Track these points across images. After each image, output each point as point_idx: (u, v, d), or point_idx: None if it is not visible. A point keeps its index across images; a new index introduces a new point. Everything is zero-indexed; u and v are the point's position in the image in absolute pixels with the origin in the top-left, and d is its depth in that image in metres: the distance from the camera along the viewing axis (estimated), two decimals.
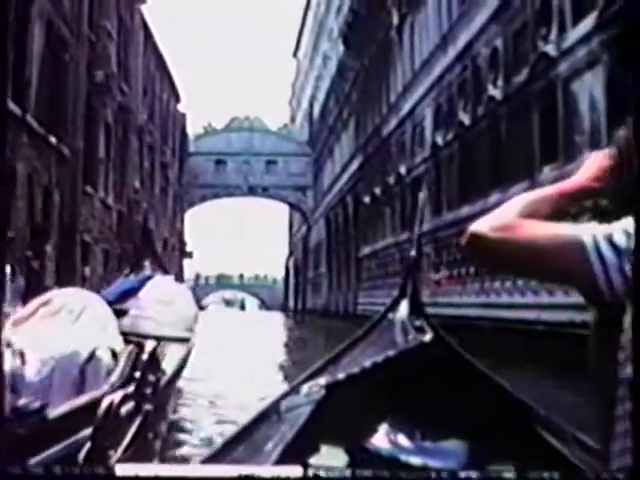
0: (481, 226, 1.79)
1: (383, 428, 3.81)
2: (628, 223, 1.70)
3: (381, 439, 3.75)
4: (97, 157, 34.30)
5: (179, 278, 71.08)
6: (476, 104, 27.12)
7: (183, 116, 72.88)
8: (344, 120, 61.21)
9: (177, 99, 68.71)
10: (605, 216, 1.82)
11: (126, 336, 6.02)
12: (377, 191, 44.08)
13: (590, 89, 18.33)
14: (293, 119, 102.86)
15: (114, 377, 4.47)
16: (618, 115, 16.70)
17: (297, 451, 3.37)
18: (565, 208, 1.94)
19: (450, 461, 3.55)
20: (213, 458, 3.44)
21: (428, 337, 4.20)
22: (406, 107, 38.37)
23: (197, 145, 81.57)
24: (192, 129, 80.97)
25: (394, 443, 3.73)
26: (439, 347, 4.16)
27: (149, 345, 4.98)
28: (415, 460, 3.58)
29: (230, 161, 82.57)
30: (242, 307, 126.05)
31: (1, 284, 1.70)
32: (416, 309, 4.62)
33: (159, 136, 57.13)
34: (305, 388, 4.09)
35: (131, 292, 7.94)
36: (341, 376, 4.00)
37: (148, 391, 4.68)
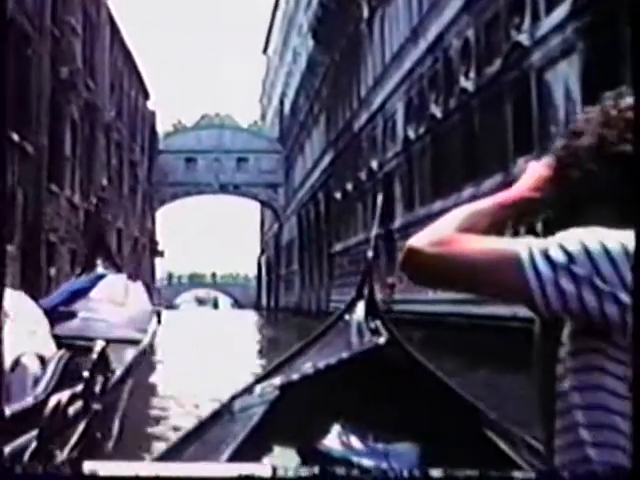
0: (418, 241, 1.75)
1: (336, 429, 3.83)
2: (564, 237, 1.69)
3: (333, 440, 3.78)
4: (63, 155, 33.59)
5: (151, 277, 70.54)
6: (448, 97, 26.71)
7: (152, 113, 72.02)
8: (315, 116, 60.86)
9: (146, 96, 67.89)
10: (548, 227, 1.85)
11: (74, 340, 5.58)
12: (349, 187, 43.65)
13: (565, 78, 17.90)
14: (264, 116, 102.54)
15: (40, 387, 4.00)
16: (594, 104, 16.22)
17: (249, 451, 3.42)
18: (505, 220, 1.94)
19: (401, 464, 3.57)
20: (162, 459, 3.46)
21: (382, 339, 4.25)
22: (377, 101, 37.95)
23: (167, 143, 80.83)
24: (162, 127, 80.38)
25: (346, 444, 3.76)
26: (393, 349, 4.22)
27: (99, 344, 4.72)
28: (367, 462, 3.60)
29: (200, 159, 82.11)
30: (215, 306, 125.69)
31: (1, 283, 1.64)
32: (372, 310, 4.64)
33: (127, 133, 56.35)
34: (259, 388, 4.17)
35: (81, 293, 7.53)
36: (295, 377, 4.07)
37: (96, 390, 4.52)
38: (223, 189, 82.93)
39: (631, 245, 1.63)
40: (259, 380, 4.38)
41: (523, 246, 1.69)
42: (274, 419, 3.82)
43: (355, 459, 3.63)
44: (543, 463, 2.21)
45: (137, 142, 61.70)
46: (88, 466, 1.41)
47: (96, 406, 4.30)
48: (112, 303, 7.62)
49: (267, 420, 3.80)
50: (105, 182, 44.55)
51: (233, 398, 4.26)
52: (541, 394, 1.93)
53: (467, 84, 24.50)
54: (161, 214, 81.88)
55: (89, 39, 40.39)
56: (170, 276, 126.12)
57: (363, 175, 40.05)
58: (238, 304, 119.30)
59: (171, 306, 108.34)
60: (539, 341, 1.96)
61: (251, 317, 68.12)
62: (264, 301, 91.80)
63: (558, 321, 1.80)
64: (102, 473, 1.37)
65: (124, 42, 54.51)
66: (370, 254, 5.06)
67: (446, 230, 1.78)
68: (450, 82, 26.42)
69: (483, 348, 17.65)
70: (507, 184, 1.95)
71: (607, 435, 1.67)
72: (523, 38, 20.12)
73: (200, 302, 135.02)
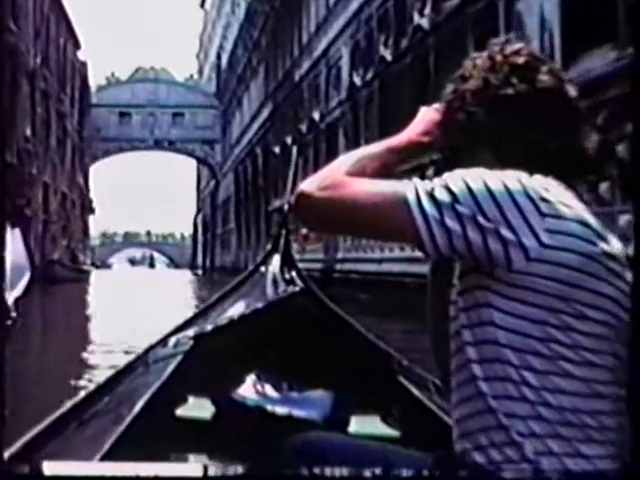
0: (308, 186, 1.81)
1: (251, 378, 3.85)
2: (448, 177, 1.74)
3: (248, 389, 3.80)
4: None
5: (82, 235, 68.42)
6: (399, 37, 24.72)
7: (83, 64, 69.99)
8: (253, 68, 59.35)
9: (76, 45, 65.56)
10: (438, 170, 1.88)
11: None
12: (288, 140, 41.76)
13: (540, 7, 15.74)
14: (201, 73, 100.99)
15: None
16: (576, 35, 14.35)
17: (164, 401, 3.45)
18: (394, 163, 2.02)
19: (314, 411, 3.63)
20: (75, 408, 3.40)
21: (297, 289, 4.21)
22: (320, 47, 36.16)
23: (100, 96, 79.92)
24: (94, 80, 79.81)
25: (260, 393, 3.79)
26: (307, 299, 4.19)
27: None
28: (280, 410, 3.66)
29: (135, 113, 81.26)
30: (151, 265, 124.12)
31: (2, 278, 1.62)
32: (287, 262, 4.58)
33: (55, 83, 53.97)
34: (173, 340, 4.18)
35: None
36: (209, 327, 4.07)
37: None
38: (158, 145, 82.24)
39: (512, 184, 1.71)
40: (173, 332, 4.34)
41: (410, 187, 1.74)
42: (188, 370, 3.78)
43: (269, 407, 3.67)
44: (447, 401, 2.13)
45: (66, 93, 59.45)
46: (88, 466, 1.52)
47: None
48: None
49: (181, 371, 3.74)
50: (29, 132, 42.01)
51: (147, 350, 4.25)
52: (435, 336, 2.03)
53: (422, 21, 22.40)
54: (94, 170, 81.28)
55: None
56: (104, 235, 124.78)
57: (304, 127, 38.47)
58: (174, 264, 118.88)
59: (105, 265, 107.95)
60: (431, 284, 2.06)
61: (186, 277, 66.77)
62: (200, 261, 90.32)
63: (449, 263, 1.86)
64: (102, 473, 1.41)
65: None
66: (286, 207, 4.83)
67: (335, 174, 1.83)
68: (402, 21, 24.45)
69: None
70: None
71: (498, 368, 1.73)
72: None
73: (132, 262, 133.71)
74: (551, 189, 1.75)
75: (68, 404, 3.46)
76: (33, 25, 44.86)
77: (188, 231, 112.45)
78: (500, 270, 1.71)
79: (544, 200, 1.71)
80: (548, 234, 1.69)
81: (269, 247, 4.87)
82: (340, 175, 1.81)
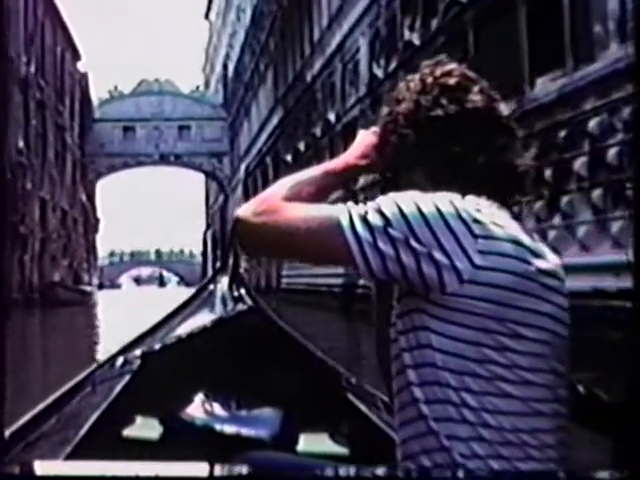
0: (244, 211, 1.82)
1: (199, 397, 3.82)
2: (381, 201, 1.73)
3: (196, 408, 3.76)
4: None
5: (87, 254, 66.16)
6: (428, 17, 21.73)
7: (84, 76, 68.26)
8: (261, 73, 57.32)
9: (75, 56, 63.33)
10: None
11: None
12: (301, 146, 39.77)
13: None
14: (207, 85, 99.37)
15: None
16: None
17: (111, 422, 3.44)
18: (331, 187, 2.03)
19: (263, 430, 3.62)
20: (21, 429, 3.30)
21: (245, 307, 4.28)
22: (334, 42, 33.66)
23: (103, 111, 78.92)
24: (97, 94, 79.06)
25: (209, 412, 3.76)
26: (256, 316, 4.22)
27: None
28: (229, 429, 3.64)
29: (139, 127, 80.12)
30: (161, 284, 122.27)
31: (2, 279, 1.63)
32: (236, 280, 4.60)
33: (53, 94, 51.53)
34: (120, 359, 4.15)
35: None
36: (157, 346, 4.05)
37: None
38: (164, 159, 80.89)
39: (445, 207, 1.69)
40: (121, 352, 4.28)
41: (344, 211, 1.74)
42: (136, 389, 3.73)
43: (218, 426, 3.65)
44: None
45: (65, 105, 57.46)
46: (88, 465, 1.45)
47: None
48: None
49: (129, 391, 3.72)
50: (22, 144, 39.34)
51: (94, 370, 4.16)
52: (383, 358, 1.97)
53: None
54: (101, 187, 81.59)
55: None
56: (112, 254, 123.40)
57: (318, 131, 36.13)
58: (184, 282, 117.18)
59: (114, 285, 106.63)
60: (375, 306, 2.05)
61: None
62: None
63: (391, 286, 1.85)
64: (102, 473, 1.41)
65: None
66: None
67: (271, 199, 1.84)
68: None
69: None
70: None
71: (437, 391, 1.72)
72: None
73: (138, 281, 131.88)
74: (483, 210, 1.74)
75: (14, 425, 3.27)
76: (24, 30, 42.33)
77: (197, 248, 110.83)
78: (434, 293, 1.70)
79: (476, 221, 1.70)
80: (480, 255, 1.68)
81: (218, 265, 4.96)
82: (276, 200, 1.82)
